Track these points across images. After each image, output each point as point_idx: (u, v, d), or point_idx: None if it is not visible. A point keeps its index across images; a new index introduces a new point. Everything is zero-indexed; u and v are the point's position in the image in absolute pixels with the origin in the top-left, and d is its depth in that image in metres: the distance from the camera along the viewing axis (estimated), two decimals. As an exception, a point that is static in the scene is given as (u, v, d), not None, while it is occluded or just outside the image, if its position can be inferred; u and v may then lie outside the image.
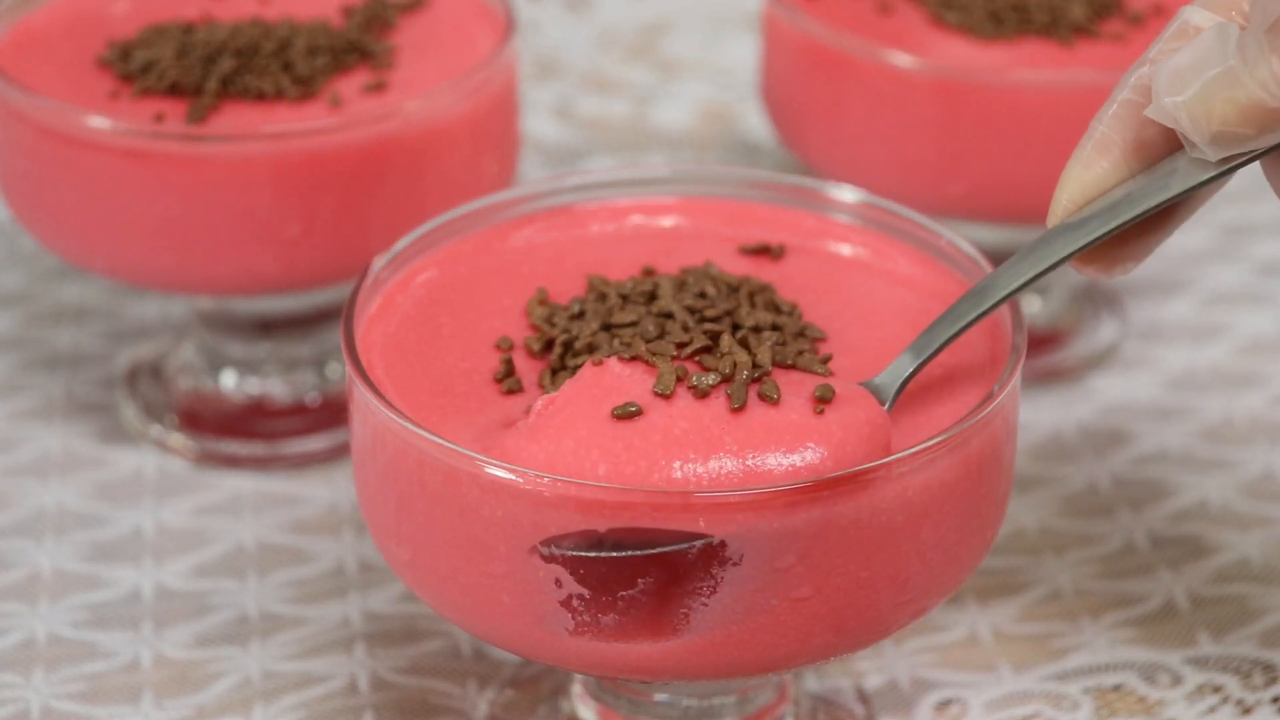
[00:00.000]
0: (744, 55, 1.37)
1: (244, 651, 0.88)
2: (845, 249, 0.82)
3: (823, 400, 0.70)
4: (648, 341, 0.73)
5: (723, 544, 0.67)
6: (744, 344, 0.73)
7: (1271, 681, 0.86)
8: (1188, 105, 0.67)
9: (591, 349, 0.73)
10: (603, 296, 0.77)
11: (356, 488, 0.76)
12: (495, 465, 0.68)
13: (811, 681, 0.86)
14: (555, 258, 0.82)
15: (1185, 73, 0.67)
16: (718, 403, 0.70)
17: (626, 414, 0.69)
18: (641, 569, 0.67)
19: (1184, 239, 1.18)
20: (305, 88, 0.95)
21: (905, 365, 0.73)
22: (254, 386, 1.04)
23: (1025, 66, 1.01)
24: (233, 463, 1.00)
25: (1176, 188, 0.69)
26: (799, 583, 0.68)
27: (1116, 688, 0.86)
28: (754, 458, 0.68)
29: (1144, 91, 0.70)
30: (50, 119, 0.93)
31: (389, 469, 0.71)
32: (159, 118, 0.93)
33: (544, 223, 0.84)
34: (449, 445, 0.68)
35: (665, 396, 0.70)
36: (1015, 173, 1.00)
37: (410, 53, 1.00)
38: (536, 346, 0.75)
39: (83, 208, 0.94)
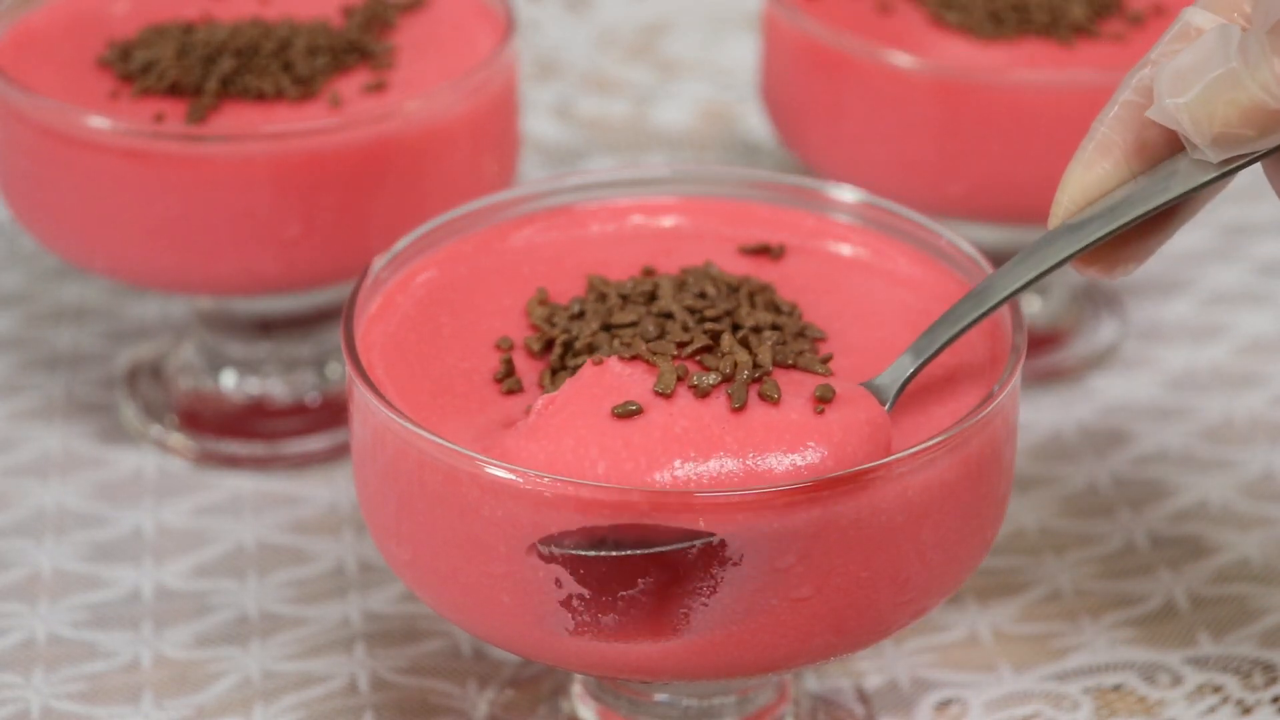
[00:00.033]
0: (744, 55, 1.37)
1: (244, 651, 0.88)
2: (845, 249, 0.82)
3: (823, 400, 0.70)
4: (648, 341, 0.73)
5: (723, 543, 0.67)
6: (744, 344, 0.73)
7: (1271, 681, 0.86)
8: (1189, 107, 0.67)
9: (591, 349, 0.73)
10: (603, 296, 0.77)
11: (356, 488, 0.76)
12: (495, 465, 0.68)
13: (811, 681, 0.86)
14: (555, 258, 0.82)
15: (1187, 74, 0.67)
16: (718, 402, 0.70)
17: (627, 413, 0.69)
18: (641, 569, 0.67)
19: (1184, 239, 1.18)
20: (305, 88, 0.95)
21: (905, 366, 0.73)
22: (254, 386, 1.04)
23: (1025, 66, 1.01)
24: (233, 463, 1.00)
25: (1177, 189, 0.69)
26: (799, 583, 0.68)
27: (1116, 688, 0.86)
28: (754, 457, 0.68)
29: (1145, 93, 0.70)
30: (50, 119, 0.93)
31: (389, 469, 0.71)
32: (159, 118, 0.93)
33: (544, 223, 0.84)
34: (449, 445, 0.68)
35: (666, 396, 0.70)
36: (1015, 173, 1.00)
37: (410, 53, 1.00)
38: (536, 346, 0.75)
39: (83, 208, 0.94)
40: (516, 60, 1.00)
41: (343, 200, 0.94)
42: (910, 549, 0.70)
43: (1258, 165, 0.70)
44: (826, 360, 0.74)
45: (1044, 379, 1.07)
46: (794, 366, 0.73)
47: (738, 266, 0.81)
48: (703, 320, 0.75)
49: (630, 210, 0.85)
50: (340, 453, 1.01)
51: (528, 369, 0.75)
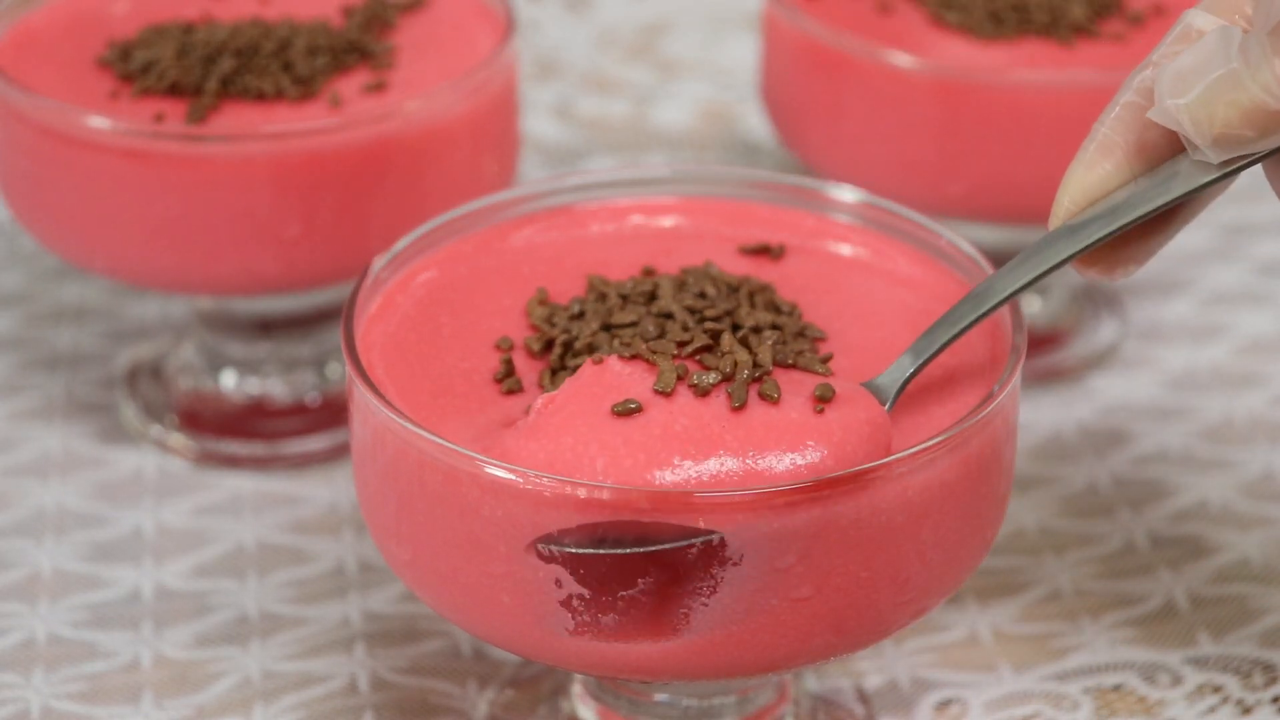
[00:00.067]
0: (744, 55, 1.37)
1: (244, 651, 0.88)
2: (845, 249, 0.82)
3: (823, 400, 0.70)
4: (648, 341, 0.73)
5: (723, 543, 0.67)
6: (744, 343, 0.73)
7: (1271, 681, 0.86)
8: (1190, 108, 0.67)
9: (591, 349, 0.73)
10: (603, 296, 0.77)
11: (356, 488, 0.76)
12: (495, 465, 0.68)
13: (811, 681, 0.86)
14: (555, 258, 0.82)
15: (1188, 75, 0.67)
16: (718, 401, 0.70)
17: (626, 411, 0.69)
18: (641, 568, 0.67)
19: (1184, 239, 1.18)
20: (305, 88, 0.95)
21: (905, 366, 0.73)
22: (254, 386, 1.04)
23: (1025, 66, 1.01)
24: (233, 463, 1.00)
25: (1178, 190, 0.69)
26: (799, 583, 0.68)
27: (1116, 688, 0.86)
28: (754, 456, 0.68)
29: (1146, 94, 0.70)
30: (50, 119, 0.93)
31: (389, 469, 0.71)
32: (159, 118, 0.93)
33: (544, 223, 0.84)
34: (449, 445, 0.68)
35: (666, 394, 0.70)
36: (1015, 173, 1.00)
37: (410, 53, 0.99)
38: (536, 346, 0.75)
39: (83, 208, 0.94)
40: (516, 60, 1.00)
41: (343, 200, 0.94)
42: (910, 549, 0.70)
43: (1258, 166, 0.70)
44: (826, 360, 0.74)
45: (1044, 379, 1.07)
46: (794, 366, 0.73)
47: (738, 266, 0.81)
48: (703, 320, 0.75)
49: (630, 210, 0.85)
50: (340, 453, 1.01)
51: (528, 369, 0.75)
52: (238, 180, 0.92)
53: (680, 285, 0.77)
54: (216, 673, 0.87)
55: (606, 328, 0.75)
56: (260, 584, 0.92)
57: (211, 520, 0.96)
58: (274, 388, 1.04)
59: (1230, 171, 0.69)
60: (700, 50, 1.41)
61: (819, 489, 0.67)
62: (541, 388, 0.73)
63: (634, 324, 0.75)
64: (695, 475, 0.68)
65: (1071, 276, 1.11)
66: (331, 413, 1.03)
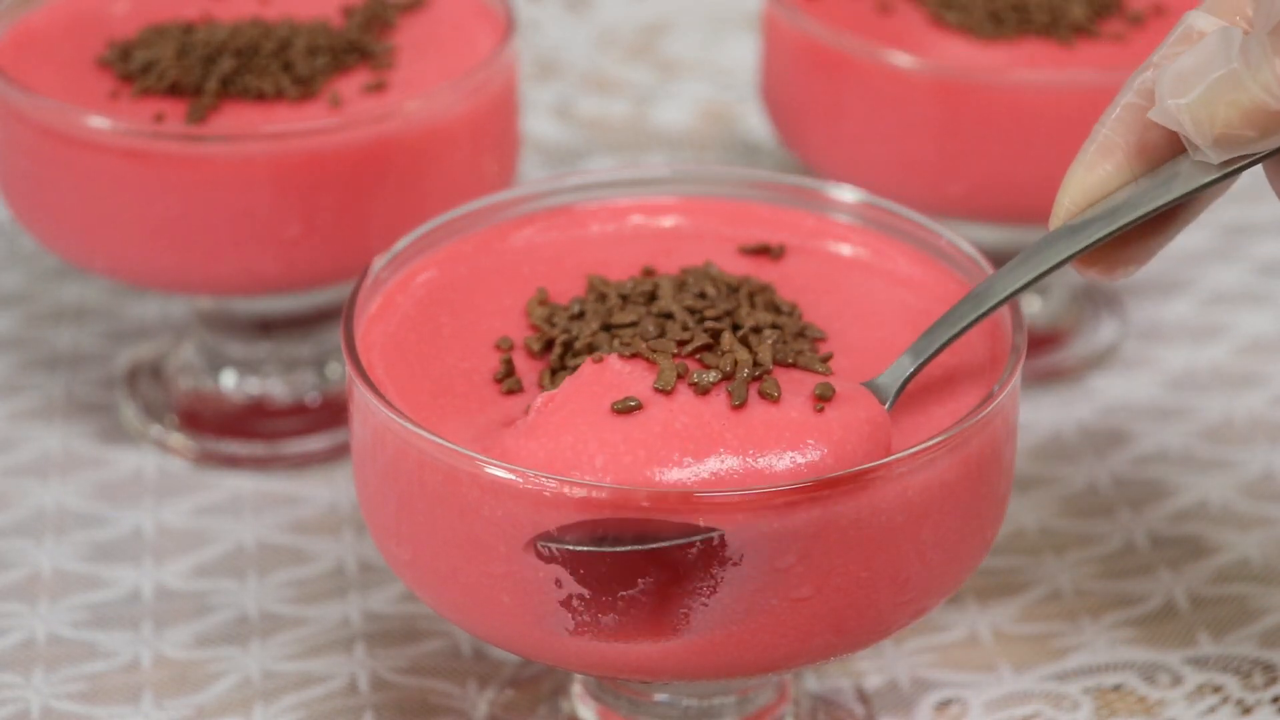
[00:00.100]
0: (744, 55, 1.37)
1: (244, 651, 0.88)
2: (845, 249, 0.82)
3: (823, 399, 0.70)
4: (648, 340, 0.73)
5: (723, 542, 0.67)
6: (745, 342, 0.73)
7: (1271, 681, 0.86)
8: (1190, 108, 0.67)
9: (591, 349, 0.73)
10: (603, 296, 0.77)
11: (356, 488, 0.76)
12: (495, 465, 0.68)
13: (811, 681, 0.86)
14: (555, 258, 0.82)
15: (1189, 76, 0.67)
16: (718, 400, 0.70)
17: (626, 409, 0.69)
18: (641, 567, 0.67)
19: (1184, 239, 1.18)
20: (305, 88, 0.95)
21: (905, 366, 0.73)
22: (254, 386, 1.04)
23: (1025, 66, 1.01)
24: (233, 463, 1.00)
25: (1178, 190, 0.69)
26: (799, 583, 0.68)
27: (1116, 688, 0.86)
28: (754, 455, 0.68)
29: (1147, 95, 0.70)
30: (50, 119, 0.93)
31: (389, 469, 0.71)
32: (159, 118, 0.93)
33: (544, 223, 0.84)
34: (449, 445, 0.68)
35: (666, 393, 0.70)
36: (1015, 173, 1.00)
37: (410, 53, 0.99)
38: (536, 346, 0.75)
39: (83, 208, 0.94)
40: (516, 60, 1.00)
41: (343, 200, 0.94)
42: (910, 549, 0.70)
43: (1258, 166, 0.70)
44: (826, 359, 0.74)
45: (1044, 379, 1.07)
46: (794, 365, 0.73)
47: (738, 266, 0.81)
48: (702, 320, 0.75)
49: (630, 210, 0.85)
50: (340, 453, 1.01)
51: (528, 369, 0.75)
52: (238, 180, 0.92)
53: (680, 285, 0.77)
54: (216, 673, 0.87)
55: (606, 328, 0.75)
56: (260, 584, 0.92)
57: (211, 520, 0.96)
58: (274, 388, 1.04)
59: (1231, 172, 0.69)
60: (700, 50, 1.41)
61: (819, 489, 0.67)
62: (541, 387, 0.73)
63: (634, 324, 0.75)
64: (695, 473, 0.68)
65: (1072, 276, 1.11)
66: (331, 413, 1.03)
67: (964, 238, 0.80)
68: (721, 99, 1.34)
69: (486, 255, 0.82)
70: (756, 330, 0.74)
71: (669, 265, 0.80)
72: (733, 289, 0.77)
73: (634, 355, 0.72)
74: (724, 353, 0.72)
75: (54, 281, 1.14)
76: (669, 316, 0.75)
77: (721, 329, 0.74)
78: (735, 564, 0.67)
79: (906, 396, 0.74)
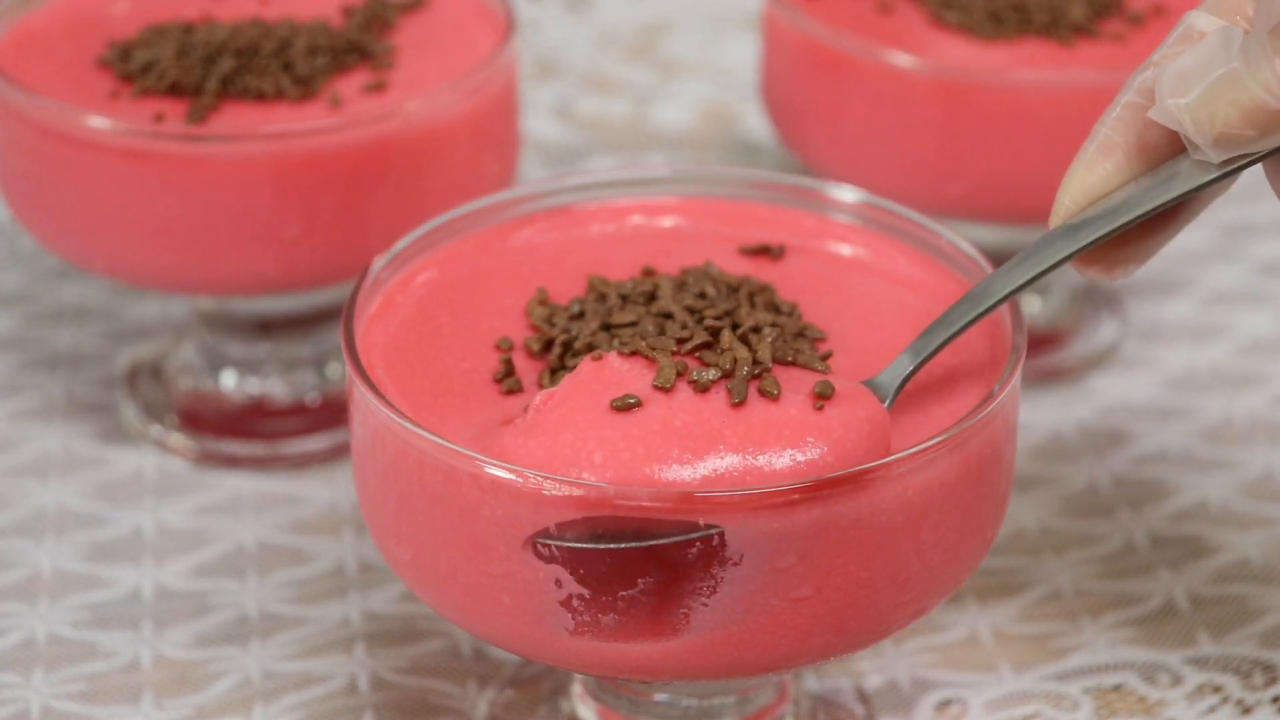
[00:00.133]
0: (744, 55, 1.37)
1: (244, 651, 0.88)
2: (845, 249, 0.82)
3: (822, 397, 0.70)
4: (647, 338, 0.73)
5: (723, 542, 0.67)
6: (744, 340, 0.73)
7: (1271, 681, 0.86)
8: (1190, 107, 0.67)
9: (591, 349, 0.73)
10: (603, 297, 0.77)
11: (356, 488, 0.76)
12: (494, 465, 0.68)
13: (811, 681, 0.86)
14: (555, 258, 0.82)
15: (1189, 75, 0.67)
16: (718, 398, 0.70)
17: (625, 406, 0.69)
18: (641, 566, 0.67)
19: (1184, 239, 1.18)
20: (305, 88, 0.95)
21: (905, 364, 0.73)
22: (254, 386, 1.04)
23: (1025, 66, 1.01)
24: (233, 463, 1.00)
25: (1178, 189, 0.70)
26: (799, 583, 0.68)
27: (1116, 688, 0.86)
28: (753, 452, 0.68)
29: (1147, 94, 0.70)
30: (50, 119, 0.93)
31: (389, 469, 0.71)
32: (159, 118, 0.93)
33: (544, 223, 0.84)
34: (448, 445, 0.68)
35: (665, 390, 0.70)
36: (1015, 173, 1.00)
37: (410, 53, 0.99)
38: (536, 347, 0.75)
39: (83, 208, 0.94)
40: (516, 60, 1.00)
41: (343, 200, 0.94)
42: (910, 549, 0.70)
43: (1258, 166, 0.70)
44: (826, 357, 0.74)
45: (1044, 379, 1.07)
46: (793, 363, 0.73)
47: (738, 267, 0.81)
48: (702, 320, 0.75)
49: (630, 210, 0.85)
50: (340, 453, 1.01)
51: (527, 369, 0.75)
52: (238, 180, 0.92)
53: (680, 285, 0.77)
54: (216, 673, 0.87)
55: (606, 328, 0.75)
56: (260, 584, 0.92)
57: (211, 520, 0.96)
58: (274, 388, 1.04)
59: (1231, 171, 0.69)
60: (700, 50, 1.41)
61: (819, 489, 0.67)
62: (541, 387, 0.73)
63: (634, 324, 0.75)
64: (694, 471, 0.68)
65: (1072, 276, 1.11)
66: (331, 413, 1.03)
67: (964, 238, 0.80)
68: (721, 99, 1.34)
69: (486, 255, 0.82)
70: (756, 329, 0.74)
71: (669, 265, 0.80)
72: (733, 289, 0.77)
73: (633, 353, 0.72)
74: (723, 350, 0.72)
75: (54, 281, 1.14)
76: (669, 316, 0.75)
77: (721, 327, 0.74)
78: (735, 564, 0.67)
79: (906, 396, 0.74)
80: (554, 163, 1.26)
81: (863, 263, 0.82)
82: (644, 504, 0.66)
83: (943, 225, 0.81)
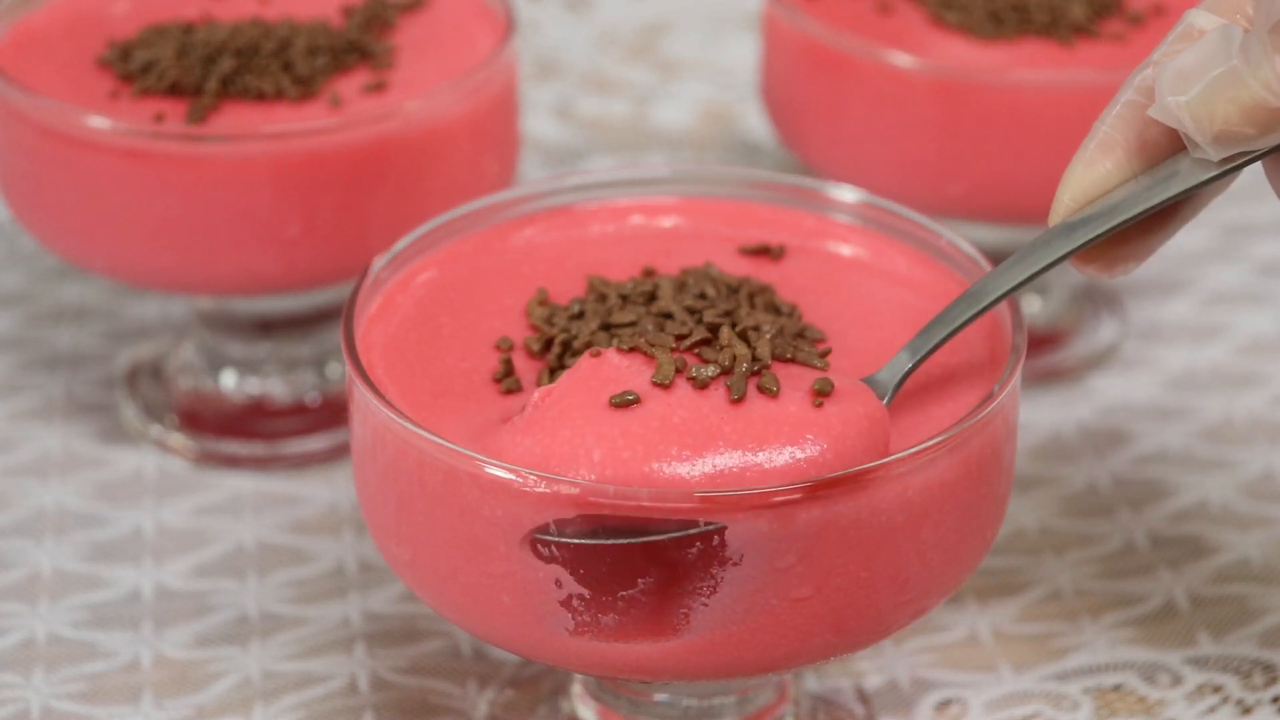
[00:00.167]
0: (744, 55, 1.37)
1: (244, 651, 0.88)
2: (845, 249, 0.82)
3: (822, 394, 0.70)
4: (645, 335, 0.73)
5: (722, 541, 0.67)
6: (743, 337, 0.73)
7: (1271, 681, 0.86)
8: (1190, 105, 0.67)
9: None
10: (602, 297, 0.77)
11: (356, 488, 0.76)
12: (494, 465, 0.68)
13: (811, 681, 0.86)
14: (555, 258, 0.81)
15: (1189, 73, 0.67)
16: (717, 394, 0.70)
17: (624, 402, 0.69)
18: (641, 565, 0.67)
19: (1184, 239, 1.18)
20: (305, 88, 0.95)
21: (904, 362, 0.73)
22: (254, 386, 1.04)
23: (1025, 66, 1.01)
24: (233, 463, 1.00)
25: (1178, 188, 0.70)
26: (799, 583, 0.68)
27: (1116, 688, 0.86)
28: (753, 449, 0.68)
29: (1147, 93, 0.70)
30: (50, 119, 0.93)
31: (389, 469, 0.71)
32: (159, 118, 0.93)
33: (544, 223, 0.84)
34: (448, 445, 0.68)
35: (664, 387, 0.70)
36: (1015, 173, 1.00)
37: (410, 53, 0.99)
38: (536, 347, 0.75)
39: (83, 208, 0.94)
40: (516, 60, 1.00)
41: (343, 200, 0.94)
42: (910, 549, 0.70)
43: (1258, 165, 0.70)
44: (825, 355, 0.74)
45: (1044, 379, 1.07)
46: (793, 360, 0.73)
47: (738, 267, 0.81)
48: (702, 321, 0.75)
49: (630, 210, 0.85)
50: (340, 453, 1.00)
51: (527, 369, 0.75)
52: (238, 180, 0.92)
53: (680, 286, 0.77)
54: (216, 673, 0.87)
55: (606, 328, 0.75)
56: (260, 584, 0.92)
57: (211, 520, 0.96)
58: (274, 388, 1.04)
59: (1230, 169, 0.69)
60: (700, 50, 1.41)
61: (819, 488, 0.67)
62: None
63: (633, 324, 0.75)
64: (694, 468, 0.68)
65: (1072, 276, 1.11)
66: (331, 413, 1.03)
67: (964, 238, 0.80)
68: (721, 99, 1.34)
69: (486, 255, 0.82)
70: (755, 327, 0.74)
71: (669, 265, 0.80)
72: (733, 289, 0.77)
73: (632, 349, 0.72)
74: (723, 347, 0.72)
75: (54, 281, 1.14)
76: (669, 316, 0.75)
77: (720, 324, 0.74)
78: (735, 564, 0.67)
79: (906, 396, 0.74)
80: (554, 163, 1.26)
81: (863, 263, 0.82)
82: (644, 504, 0.66)
83: (942, 225, 0.81)
